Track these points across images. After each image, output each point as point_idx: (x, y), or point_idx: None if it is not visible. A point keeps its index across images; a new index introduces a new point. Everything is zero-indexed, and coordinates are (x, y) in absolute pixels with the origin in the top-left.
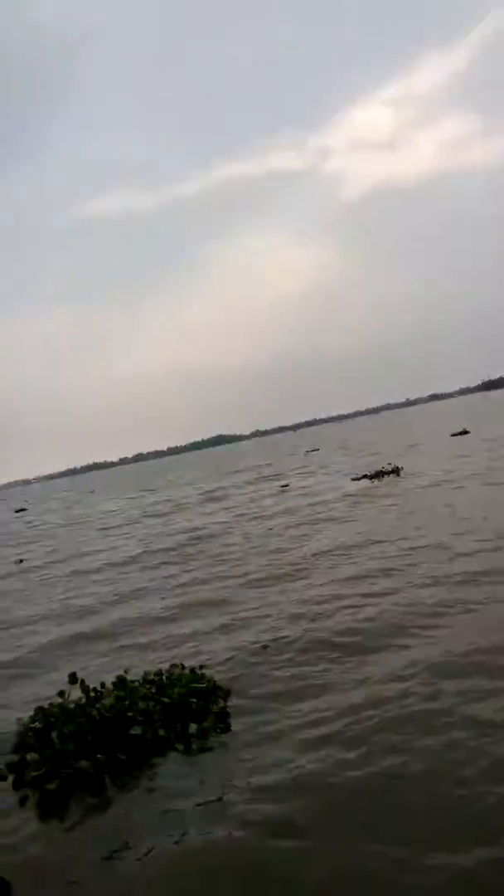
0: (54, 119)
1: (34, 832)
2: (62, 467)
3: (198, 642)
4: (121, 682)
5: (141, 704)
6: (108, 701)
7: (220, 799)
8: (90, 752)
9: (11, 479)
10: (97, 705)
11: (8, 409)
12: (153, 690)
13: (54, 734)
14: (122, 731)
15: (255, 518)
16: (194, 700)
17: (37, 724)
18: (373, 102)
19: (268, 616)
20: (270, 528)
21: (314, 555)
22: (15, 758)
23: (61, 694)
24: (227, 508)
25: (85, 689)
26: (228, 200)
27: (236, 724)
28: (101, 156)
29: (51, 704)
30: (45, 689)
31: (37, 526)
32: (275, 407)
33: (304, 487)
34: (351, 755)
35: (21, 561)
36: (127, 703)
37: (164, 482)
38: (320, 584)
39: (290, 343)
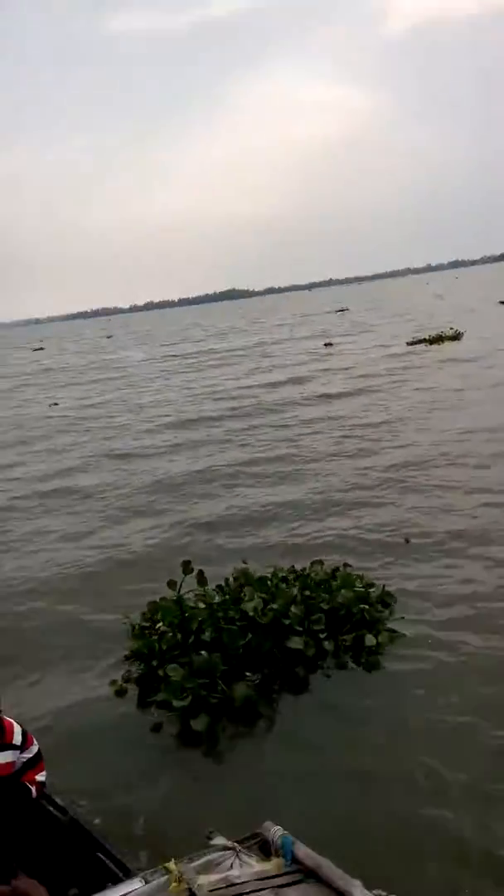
0: None
1: (178, 779)
2: (72, 310)
3: (322, 537)
4: (260, 580)
5: (295, 610)
6: (253, 603)
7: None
8: (239, 667)
9: (20, 318)
10: (241, 607)
11: (16, 243)
12: (308, 593)
13: (191, 640)
14: (279, 643)
15: (326, 382)
16: (365, 607)
17: (161, 626)
18: None
19: (408, 508)
20: (350, 395)
21: (435, 443)
22: (133, 668)
23: (171, 584)
24: (278, 367)
25: (202, 580)
26: (259, 27)
27: (411, 640)
28: None
29: (162, 599)
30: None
31: (63, 369)
32: (289, 264)
33: (363, 350)
34: None
35: (55, 404)
36: (276, 606)
37: (197, 333)
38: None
39: (311, 196)
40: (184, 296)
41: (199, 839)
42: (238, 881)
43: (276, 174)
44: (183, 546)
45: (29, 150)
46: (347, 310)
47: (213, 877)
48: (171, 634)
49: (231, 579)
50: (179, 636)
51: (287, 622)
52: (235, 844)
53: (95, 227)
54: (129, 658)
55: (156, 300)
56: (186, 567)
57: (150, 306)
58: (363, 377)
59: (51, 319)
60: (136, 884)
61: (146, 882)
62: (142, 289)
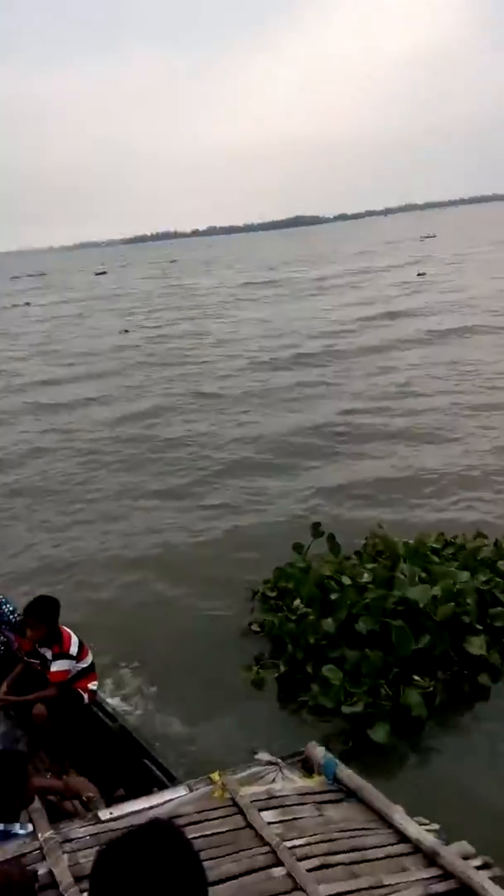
0: None
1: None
2: (131, 233)
3: (462, 509)
4: (414, 553)
5: (468, 601)
6: (418, 590)
7: None
8: (407, 670)
9: (79, 241)
10: (402, 595)
11: (72, 165)
12: (483, 579)
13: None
14: (454, 643)
15: (428, 317)
16: None
17: (300, 607)
18: None
19: None
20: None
21: None
22: (265, 651)
23: (297, 548)
24: (369, 299)
25: (335, 547)
26: None
27: None
28: None
29: (288, 565)
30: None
31: (128, 294)
32: (362, 189)
33: (464, 280)
34: None
35: (126, 331)
36: (440, 591)
37: (269, 260)
38: None
39: (383, 116)
40: (249, 221)
41: (245, 756)
42: (279, 794)
43: (347, 93)
44: (300, 512)
45: (90, 68)
46: (434, 236)
47: (256, 788)
48: (312, 618)
49: (370, 546)
50: (325, 624)
51: (467, 619)
52: (279, 760)
53: (152, 149)
54: (257, 633)
55: (218, 226)
56: (316, 530)
57: (212, 231)
58: (473, 313)
59: (110, 243)
60: (181, 790)
61: (191, 790)
62: (204, 214)
